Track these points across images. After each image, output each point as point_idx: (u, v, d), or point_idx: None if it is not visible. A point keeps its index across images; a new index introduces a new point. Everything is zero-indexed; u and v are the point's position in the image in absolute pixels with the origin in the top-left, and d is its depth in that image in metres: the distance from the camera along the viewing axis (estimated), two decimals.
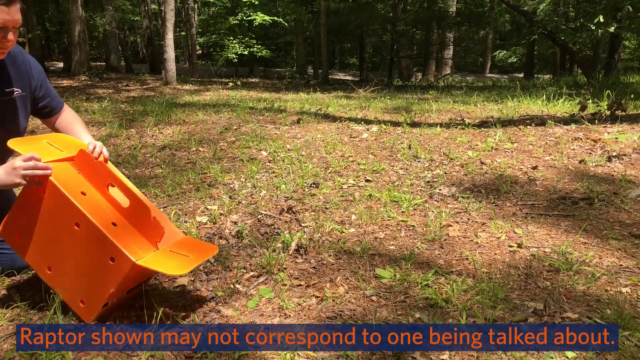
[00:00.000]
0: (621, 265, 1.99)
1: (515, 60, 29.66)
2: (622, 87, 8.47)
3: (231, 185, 3.06)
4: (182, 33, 19.10)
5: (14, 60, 1.79)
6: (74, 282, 1.59)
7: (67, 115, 2.00)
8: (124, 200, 1.68)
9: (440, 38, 16.15)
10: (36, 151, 1.59)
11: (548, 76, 17.50)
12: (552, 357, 1.43)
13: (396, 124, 4.87)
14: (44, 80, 1.92)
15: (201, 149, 3.96)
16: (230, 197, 2.84)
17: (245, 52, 15.62)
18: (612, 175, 3.12)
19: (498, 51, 30.37)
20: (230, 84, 10.91)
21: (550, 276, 1.91)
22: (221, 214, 2.57)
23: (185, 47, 21.51)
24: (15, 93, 1.79)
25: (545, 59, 25.08)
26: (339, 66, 30.33)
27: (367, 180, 3.15)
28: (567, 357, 1.41)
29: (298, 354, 1.45)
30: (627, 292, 1.78)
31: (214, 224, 2.47)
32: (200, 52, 23.08)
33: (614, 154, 3.46)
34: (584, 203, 2.67)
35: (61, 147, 1.73)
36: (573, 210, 2.58)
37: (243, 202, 2.77)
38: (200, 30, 18.10)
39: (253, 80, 14.35)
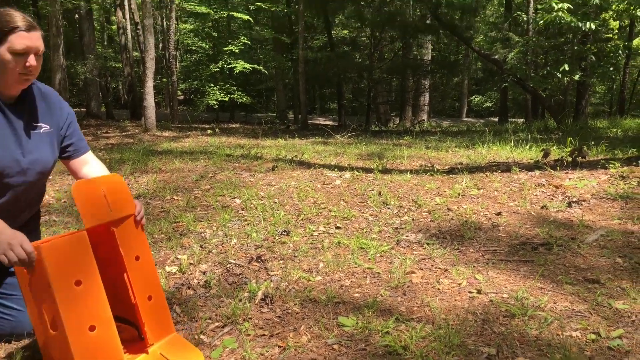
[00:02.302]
0: (573, 309, 2.07)
1: (490, 104, 30.57)
2: (589, 132, 8.82)
3: (203, 234, 3.11)
4: (164, 80, 19.39)
5: (44, 97, 1.86)
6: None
7: (100, 168, 2.00)
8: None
9: (416, 85, 16.65)
10: (87, 205, 1.57)
11: (522, 120, 18.06)
12: None
13: (369, 170, 5.00)
14: (72, 121, 1.97)
15: (175, 198, 4.01)
16: (201, 247, 2.89)
17: (226, 99, 15.89)
18: (572, 220, 3.25)
19: (474, 96, 31.30)
20: (209, 131, 11.05)
21: (505, 321, 1.99)
22: (191, 264, 2.62)
23: (167, 93, 21.78)
24: (43, 129, 1.83)
25: (519, 104, 25.91)
26: (319, 111, 30.85)
27: (337, 227, 3.23)
28: None
29: None
30: (576, 335, 1.86)
31: (183, 273, 2.51)
32: (181, 97, 23.37)
33: (574, 199, 3.60)
34: (543, 248, 2.78)
35: (112, 204, 1.65)
36: (532, 256, 2.69)
37: (213, 251, 2.82)
38: (181, 76, 18.41)
39: (233, 125, 14.54)
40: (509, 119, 18.89)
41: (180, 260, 2.66)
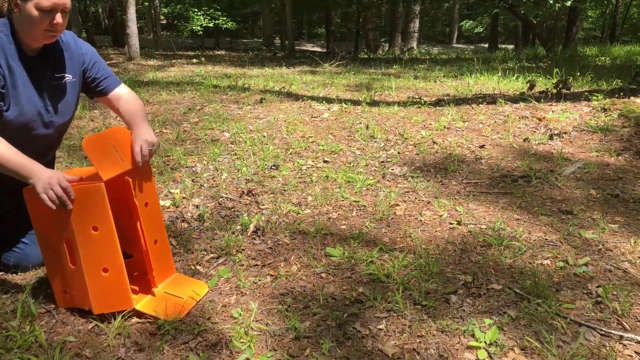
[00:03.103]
0: (546, 239, 2.22)
1: (481, 30, 29.94)
2: (577, 61, 8.79)
3: (194, 169, 3.18)
4: (146, 3, 18.65)
5: (67, 47, 1.86)
6: (73, 279, 1.65)
7: (128, 101, 1.98)
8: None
9: (405, 10, 16.22)
10: (101, 159, 1.58)
11: (512, 47, 17.83)
12: (474, 324, 1.64)
13: (357, 102, 5.02)
14: (97, 61, 1.95)
15: (165, 131, 4.04)
16: (192, 181, 2.97)
17: (211, 25, 15.42)
18: (552, 153, 3.36)
19: (465, 21, 30.60)
20: (195, 59, 10.82)
21: (482, 251, 2.13)
22: (184, 198, 2.71)
23: (149, 18, 21.01)
24: (66, 79, 1.85)
25: (510, 29, 25.46)
26: (307, 36, 30.10)
27: (325, 161, 3.32)
28: (485, 323, 1.63)
29: (251, 327, 1.63)
30: (547, 264, 2.02)
31: (176, 207, 2.61)
32: (164, 21, 22.59)
33: (556, 132, 3.70)
34: (523, 181, 2.91)
35: (122, 155, 1.68)
36: (512, 188, 2.81)
37: (205, 185, 2.90)
38: (164, 0, 17.73)
39: (219, 52, 14.22)
40: (500, 46, 18.63)
41: (173, 194, 2.75)
